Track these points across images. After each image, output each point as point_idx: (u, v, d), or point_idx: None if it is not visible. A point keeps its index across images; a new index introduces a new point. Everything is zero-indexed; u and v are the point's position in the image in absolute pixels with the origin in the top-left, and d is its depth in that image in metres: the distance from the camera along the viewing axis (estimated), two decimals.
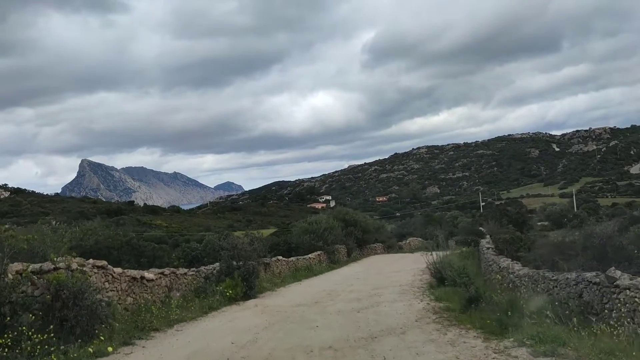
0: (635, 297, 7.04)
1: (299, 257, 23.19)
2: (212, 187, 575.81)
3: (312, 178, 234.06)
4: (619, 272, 7.98)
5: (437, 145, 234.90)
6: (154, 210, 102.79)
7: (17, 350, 6.62)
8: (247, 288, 14.12)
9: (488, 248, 18.10)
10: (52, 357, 6.85)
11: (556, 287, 9.65)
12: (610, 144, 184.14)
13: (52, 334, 7.16)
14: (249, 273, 14.44)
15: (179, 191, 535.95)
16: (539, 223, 55.91)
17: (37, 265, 8.08)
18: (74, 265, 8.59)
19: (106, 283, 9.74)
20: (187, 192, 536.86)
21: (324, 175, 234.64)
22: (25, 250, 9.41)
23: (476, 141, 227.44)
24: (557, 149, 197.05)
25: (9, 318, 6.89)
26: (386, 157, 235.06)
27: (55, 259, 8.44)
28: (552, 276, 10.09)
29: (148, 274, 11.44)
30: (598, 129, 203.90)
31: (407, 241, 43.35)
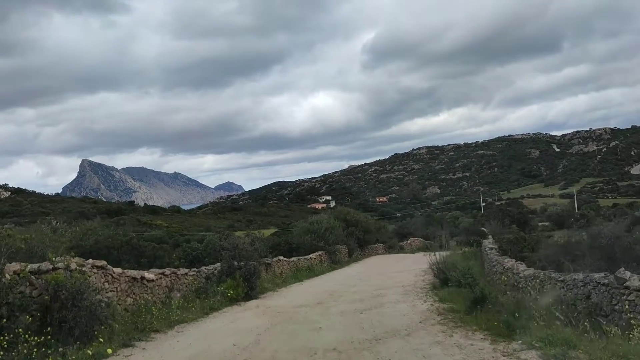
0: None
1: (300, 257, 23.04)
2: (213, 187, 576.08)
3: (312, 178, 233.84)
4: (628, 273, 7.81)
5: (438, 146, 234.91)
6: (154, 210, 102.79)
7: (13, 353, 6.45)
8: (248, 288, 13.97)
9: (491, 248, 17.93)
10: (50, 359, 6.69)
11: (563, 288, 9.48)
12: (611, 145, 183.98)
13: (49, 336, 7.01)
14: (251, 273, 14.29)
15: (180, 191, 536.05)
16: (540, 223, 55.83)
17: (35, 266, 7.91)
18: (73, 266, 8.43)
19: (106, 283, 9.58)
20: (187, 192, 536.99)
21: (324, 175, 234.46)
22: (23, 250, 9.26)
23: (476, 142, 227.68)
24: (558, 150, 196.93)
25: (5, 320, 6.73)
26: (386, 158, 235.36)
27: (53, 258, 8.28)
28: (559, 277, 9.92)
29: (148, 274, 11.28)
30: (598, 129, 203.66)
31: (408, 241, 43.19)
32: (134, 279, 10.64)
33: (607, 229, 11.40)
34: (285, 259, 21.00)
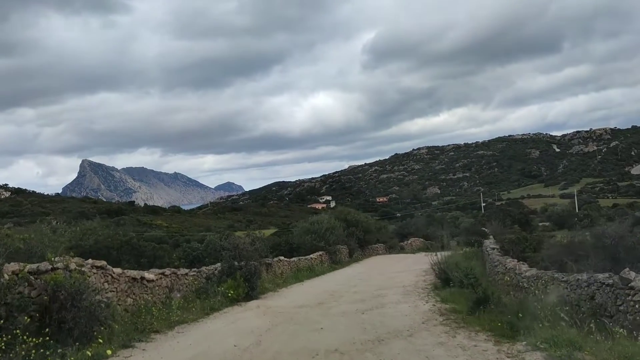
0: None
1: (300, 257, 22.95)
2: (213, 187, 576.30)
3: (313, 178, 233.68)
4: (633, 274, 7.73)
5: (438, 146, 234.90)
6: (154, 210, 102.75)
7: (11, 355, 6.36)
8: (249, 289, 13.88)
9: (493, 248, 17.85)
10: None
11: (567, 288, 9.41)
12: (611, 145, 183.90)
13: (48, 337, 6.92)
14: (251, 273, 14.21)
15: (180, 191, 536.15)
16: (540, 224, 55.80)
17: (34, 266, 7.82)
18: (73, 266, 8.35)
19: (105, 284, 9.49)
20: (187, 192, 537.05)
21: (324, 175, 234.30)
22: (22, 250, 9.17)
23: (477, 142, 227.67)
24: (558, 150, 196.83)
25: (3, 321, 6.63)
26: (386, 158, 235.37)
27: (53, 259, 8.19)
28: (562, 277, 9.85)
29: (148, 275, 11.19)
30: (599, 129, 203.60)
31: (409, 242, 43.10)
32: (134, 279, 10.56)
33: (611, 228, 11.31)
34: (285, 259, 20.92)
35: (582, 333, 7.06)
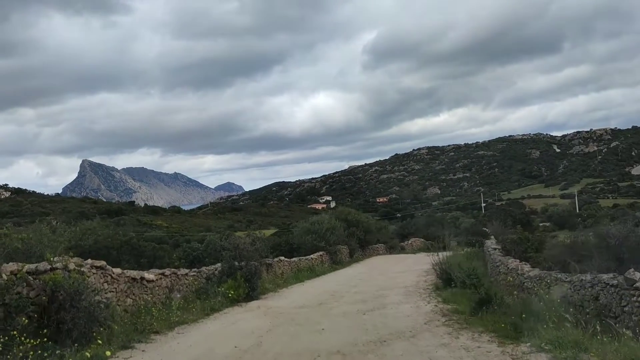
0: None
1: (301, 257, 22.88)
2: (213, 187, 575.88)
3: (313, 179, 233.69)
4: (638, 274, 7.64)
5: (438, 146, 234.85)
6: (154, 210, 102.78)
7: (8, 356, 6.27)
8: (249, 289, 13.80)
9: (495, 249, 17.78)
10: None
11: (570, 289, 9.32)
12: (611, 145, 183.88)
13: (46, 338, 6.84)
14: (252, 274, 14.13)
15: (180, 192, 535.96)
16: (541, 224, 55.81)
17: (32, 266, 7.74)
18: (72, 266, 8.26)
19: (105, 284, 9.41)
20: (187, 192, 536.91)
21: (324, 175, 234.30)
22: (21, 250, 9.09)
23: (477, 142, 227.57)
24: (558, 150, 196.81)
25: (0, 321, 6.55)
26: (387, 158, 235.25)
27: (51, 259, 8.10)
28: (566, 278, 9.76)
29: (148, 275, 11.12)
30: (599, 130, 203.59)
31: (409, 242, 43.07)
32: (134, 279, 10.48)
33: (615, 228, 11.23)
34: (286, 259, 20.85)
35: (587, 334, 6.97)
